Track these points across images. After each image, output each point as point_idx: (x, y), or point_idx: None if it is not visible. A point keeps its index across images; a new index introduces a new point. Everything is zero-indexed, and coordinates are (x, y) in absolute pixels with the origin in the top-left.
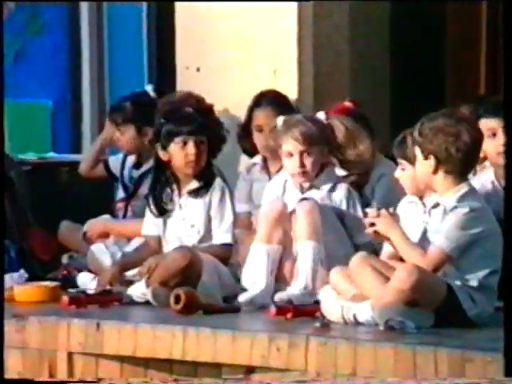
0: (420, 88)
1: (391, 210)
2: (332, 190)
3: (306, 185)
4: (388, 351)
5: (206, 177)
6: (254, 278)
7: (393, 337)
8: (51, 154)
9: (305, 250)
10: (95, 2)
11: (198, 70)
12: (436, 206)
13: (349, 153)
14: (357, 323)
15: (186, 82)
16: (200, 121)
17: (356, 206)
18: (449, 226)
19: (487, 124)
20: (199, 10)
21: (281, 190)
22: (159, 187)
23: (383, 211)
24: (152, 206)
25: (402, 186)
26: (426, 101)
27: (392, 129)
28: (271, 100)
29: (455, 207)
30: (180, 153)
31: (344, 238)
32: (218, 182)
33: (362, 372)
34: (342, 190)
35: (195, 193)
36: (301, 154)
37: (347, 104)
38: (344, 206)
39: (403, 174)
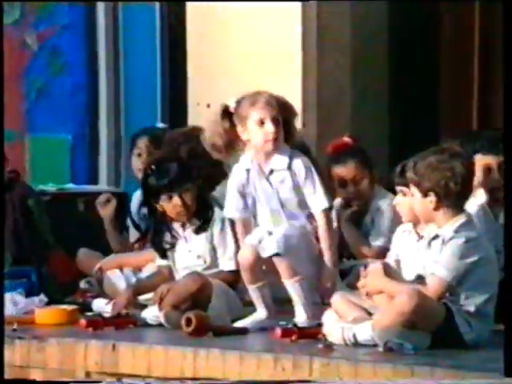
0: (417, 122)
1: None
2: (289, 165)
3: (267, 169)
4: (387, 371)
5: (203, 215)
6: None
7: (391, 357)
8: (70, 185)
9: (293, 287)
10: (111, 1)
11: (209, 106)
12: (435, 237)
13: (350, 189)
14: (356, 344)
15: (196, 117)
16: (180, 172)
17: (313, 174)
18: (447, 256)
19: (483, 159)
20: (210, 46)
21: (244, 180)
22: (159, 234)
23: (365, 272)
24: (156, 252)
25: (399, 215)
26: (422, 135)
27: (390, 161)
28: None
29: (452, 237)
30: (168, 205)
31: (311, 258)
32: (217, 213)
33: None
34: (299, 162)
35: (196, 229)
36: (273, 120)
37: (346, 139)
38: (303, 175)
39: (403, 200)
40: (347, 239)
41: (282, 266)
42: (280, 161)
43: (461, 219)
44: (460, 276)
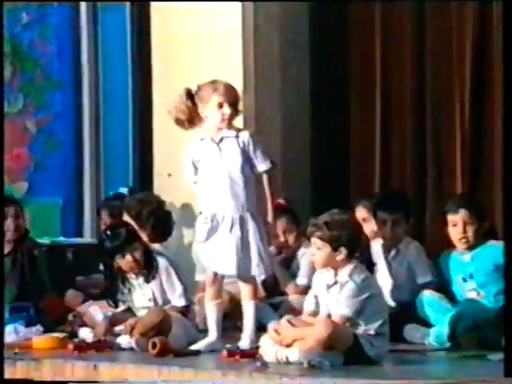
0: (333, 189)
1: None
2: (237, 135)
3: (218, 138)
4: (310, 383)
5: (150, 266)
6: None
7: (313, 372)
8: (61, 238)
9: (251, 309)
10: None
11: (170, 175)
12: (335, 283)
13: (281, 240)
14: (287, 362)
15: (159, 185)
16: (128, 235)
17: (257, 143)
18: (345, 297)
19: (381, 216)
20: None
21: (197, 148)
22: (112, 288)
23: (277, 331)
24: (111, 303)
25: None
26: (336, 196)
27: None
28: None
29: (347, 281)
30: (122, 262)
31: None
32: (161, 264)
33: None
34: (245, 133)
35: (146, 279)
36: (229, 103)
37: (281, 201)
38: (251, 143)
39: (318, 252)
40: (279, 279)
41: (249, 284)
42: (229, 132)
43: (352, 265)
44: (358, 309)
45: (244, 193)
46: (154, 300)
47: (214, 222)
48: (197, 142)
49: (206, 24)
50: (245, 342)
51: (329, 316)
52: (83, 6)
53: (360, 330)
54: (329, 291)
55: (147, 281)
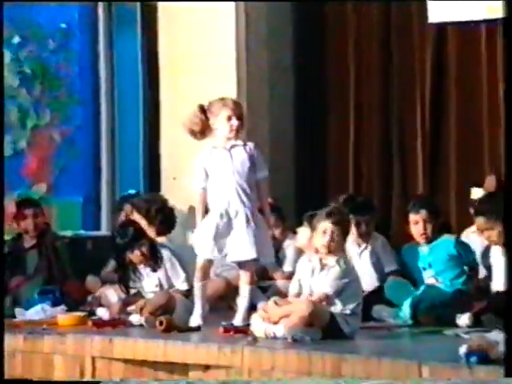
0: (313, 189)
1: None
2: (245, 144)
3: (228, 145)
4: (293, 354)
5: (155, 258)
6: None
7: (296, 345)
8: (81, 231)
9: (248, 292)
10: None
11: (174, 178)
12: (323, 267)
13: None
14: (274, 338)
15: (166, 187)
16: (135, 232)
17: (260, 153)
18: (330, 279)
19: (354, 218)
20: (180, 135)
21: (208, 155)
22: (124, 276)
23: (265, 309)
24: (123, 289)
25: (301, 250)
26: (315, 196)
27: (296, 215)
28: None
29: (333, 266)
30: (132, 256)
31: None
32: (165, 255)
33: (277, 368)
34: (252, 143)
35: (153, 268)
36: (237, 117)
37: (269, 200)
38: (256, 154)
39: (337, 238)
40: (267, 266)
41: (249, 271)
42: (238, 141)
43: (340, 253)
44: (338, 291)
45: (251, 192)
46: (161, 286)
47: (226, 216)
48: (208, 150)
49: (206, 48)
50: (238, 320)
51: (310, 296)
52: (101, 34)
53: (337, 309)
54: (314, 275)
55: (154, 270)
